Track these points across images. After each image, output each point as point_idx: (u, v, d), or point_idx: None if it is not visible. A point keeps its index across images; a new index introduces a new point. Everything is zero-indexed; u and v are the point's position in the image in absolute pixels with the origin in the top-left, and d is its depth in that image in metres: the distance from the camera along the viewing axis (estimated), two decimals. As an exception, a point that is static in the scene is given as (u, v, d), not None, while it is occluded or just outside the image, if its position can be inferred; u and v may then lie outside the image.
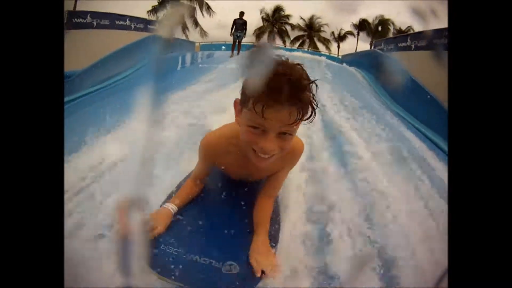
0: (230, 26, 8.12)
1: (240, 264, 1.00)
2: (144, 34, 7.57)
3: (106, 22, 6.49)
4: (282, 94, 0.82)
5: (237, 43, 8.07)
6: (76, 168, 1.97)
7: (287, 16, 23.68)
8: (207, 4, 19.41)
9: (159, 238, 1.04)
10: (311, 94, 0.88)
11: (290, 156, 1.15)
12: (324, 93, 4.64)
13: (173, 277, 0.94)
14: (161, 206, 1.18)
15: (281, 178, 1.24)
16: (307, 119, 0.90)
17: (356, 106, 4.36)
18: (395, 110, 5.16)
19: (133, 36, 6.92)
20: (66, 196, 1.58)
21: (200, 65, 6.81)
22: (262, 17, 23.56)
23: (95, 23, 6.25)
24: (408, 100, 5.17)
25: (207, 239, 1.09)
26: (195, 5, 19.41)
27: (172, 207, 1.15)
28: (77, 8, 6.33)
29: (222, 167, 1.23)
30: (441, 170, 2.62)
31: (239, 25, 8.00)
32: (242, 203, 1.19)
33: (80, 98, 4.16)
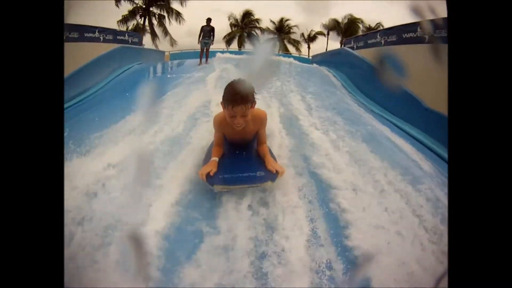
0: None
1: (264, 171, 1.91)
2: (114, 45, 7.39)
3: (75, 35, 6.26)
4: (240, 100, 1.78)
5: (205, 50, 8.05)
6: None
7: (257, 20, 23.90)
8: (176, 11, 19.24)
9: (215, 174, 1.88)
10: (253, 97, 1.85)
11: (260, 121, 2.06)
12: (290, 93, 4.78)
13: (230, 185, 1.88)
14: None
15: (263, 133, 2.13)
16: (251, 107, 1.86)
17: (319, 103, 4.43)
18: (366, 104, 5.31)
19: (103, 48, 6.73)
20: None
21: (169, 76, 6.73)
22: (231, 23, 23.62)
23: (64, 36, 6.01)
24: (381, 95, 5.31)
25: (238, 164, 2.02)
26: (164, 13, 19.20)
27: (215, 158, 1.96)
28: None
29: (226, 135, 2.11)
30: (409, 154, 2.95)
31: (206, 32, 7.99)
32: (245, 151, 2.14)
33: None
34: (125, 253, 1.42)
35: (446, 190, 1.80)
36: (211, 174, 1.86)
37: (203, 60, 7.96)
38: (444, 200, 2.01)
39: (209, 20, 8.05)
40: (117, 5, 17.53)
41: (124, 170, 2.14)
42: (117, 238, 1.58)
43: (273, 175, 1.88)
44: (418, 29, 5.11)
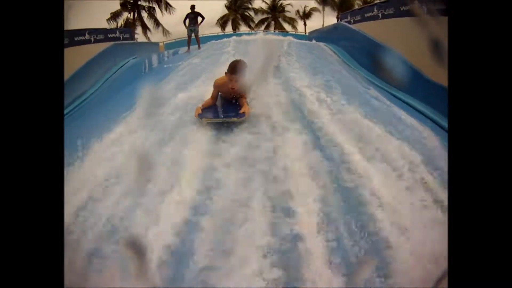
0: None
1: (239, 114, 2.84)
2: (106, 44, 7.31)
3: (66, 41, 6.19)
4: (236, 71, 2.83)
5: (193, 36, 8.02)
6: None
7: (249, 1, 23.33)
8: (166, 2, 18.83)
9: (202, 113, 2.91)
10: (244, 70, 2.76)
11: (243, 93, 3.03)
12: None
13: (213, 118, 2.85)
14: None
15: (243, 98, 3.04)
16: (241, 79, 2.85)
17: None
18: (365, 77, 5.24)
19: (95, 49, 6.66)
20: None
21: (165, 66, 6.67)
22: (225, 5, 23.09)
23: (63, 41, 5.95)
24: (379, 67, 5.22)
25: (224, 109, 3.03)
26: (154, 5, 18.83)
27: (199, 106, 3.03)
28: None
29: (221, 93, 3.14)
30: (416, 126, 3.05)
31: (191, 19, 7.93)
32: (233, 101, 3.09)
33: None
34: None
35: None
36: (197, 113, 2.87)
37: (196, 46, 7.86)
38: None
39: (193, 6, 7.96)
40: None
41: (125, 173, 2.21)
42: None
43: (242, 114, 2.83)
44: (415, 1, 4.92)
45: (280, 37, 9.80)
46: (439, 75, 3.87)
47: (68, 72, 5.04)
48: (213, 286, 1.54)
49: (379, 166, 2.31)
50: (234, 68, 2.83)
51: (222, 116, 2.87)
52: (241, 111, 2.87)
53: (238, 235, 1.78)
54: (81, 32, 6.83)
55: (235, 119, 2.79)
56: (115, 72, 6.76)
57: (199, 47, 7.79)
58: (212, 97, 3.10)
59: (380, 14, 6.87)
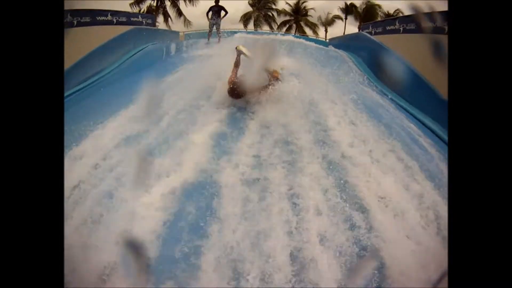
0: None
1: None
2: (127, 28, 7.38)
3: (87, 19, 6.25)
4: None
5: (215, 30, 8.10)
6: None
7: (273, 1, 23.31)
8: (189, -6, 18.87)
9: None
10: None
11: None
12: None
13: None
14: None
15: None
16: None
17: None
18: (379, 87, 5.22)
19: (116, 31, 6.73)
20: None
21: (184, 54, 6.79)
22: (249, 3, 23.09)
23: (75, 22, 6.03)
24: (395, 80, 5.21)
25: None
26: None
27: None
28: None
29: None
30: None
31: (214, 12, 8.00)
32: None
33: (67, 97, 4.08)
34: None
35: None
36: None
37: (216, 39, 7.96)
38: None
39: (217, 0, 8.04)
40: None
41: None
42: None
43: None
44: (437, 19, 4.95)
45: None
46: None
47: (86, 50, 5.13)
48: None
49: None
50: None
51: None
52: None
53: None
54: (104, 12, 6.91)
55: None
56: (133, 55, 6.83)
57: (219, 40, 7.90)
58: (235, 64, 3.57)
59: (401, 28, 6.84)
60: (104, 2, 7.06)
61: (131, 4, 18.05)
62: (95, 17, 6.49)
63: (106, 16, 6.98)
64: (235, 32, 10.78)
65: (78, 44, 5.05)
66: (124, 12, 8.21)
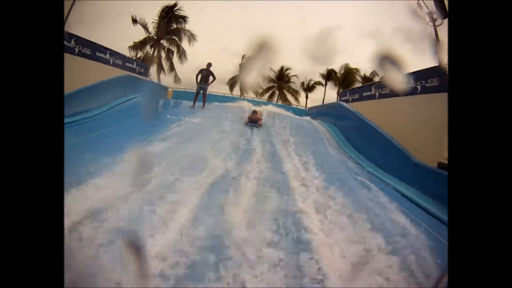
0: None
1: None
2: (120, 72, 7.57)
3: (87, 52, 6.45)
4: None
5: (201, 94, 8.03)
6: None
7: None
8: (183, 49, 19.94)
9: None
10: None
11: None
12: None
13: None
14: None
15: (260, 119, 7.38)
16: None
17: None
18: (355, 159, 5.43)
19: (110, 72, 6.89)
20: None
21: (168, 116, 6.86)
22: (239, 64, 24.03)
23: (76, 50, 6.20)
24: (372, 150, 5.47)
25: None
26: (173, 48, 19.86)
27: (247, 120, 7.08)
28: (67, 27, 6.25)
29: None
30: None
31: (204, 76, 7.92)
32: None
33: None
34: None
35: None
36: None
37: (201, 104, 7.95)
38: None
39: (209, 64, 8.01)
40: (133, 23, 18.18)
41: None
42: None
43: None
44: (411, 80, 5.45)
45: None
46: (428, 157, 4.08)
47: (80, 84, 5.16)
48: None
49: None
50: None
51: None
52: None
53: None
54: (104, 50, 7.19)
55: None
56: (122, 103, 6.81)
57: (203, 105, 7.98)
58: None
59: (377, 94, 7.40)
60: (104, 34, 7.33)
61: (130, 47, 18.74)
62: (95, 51, 6.74)
63: (105, 54, 7.26)
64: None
65: (76, 73, 5.09)
66: (121, 54, 8.43)
